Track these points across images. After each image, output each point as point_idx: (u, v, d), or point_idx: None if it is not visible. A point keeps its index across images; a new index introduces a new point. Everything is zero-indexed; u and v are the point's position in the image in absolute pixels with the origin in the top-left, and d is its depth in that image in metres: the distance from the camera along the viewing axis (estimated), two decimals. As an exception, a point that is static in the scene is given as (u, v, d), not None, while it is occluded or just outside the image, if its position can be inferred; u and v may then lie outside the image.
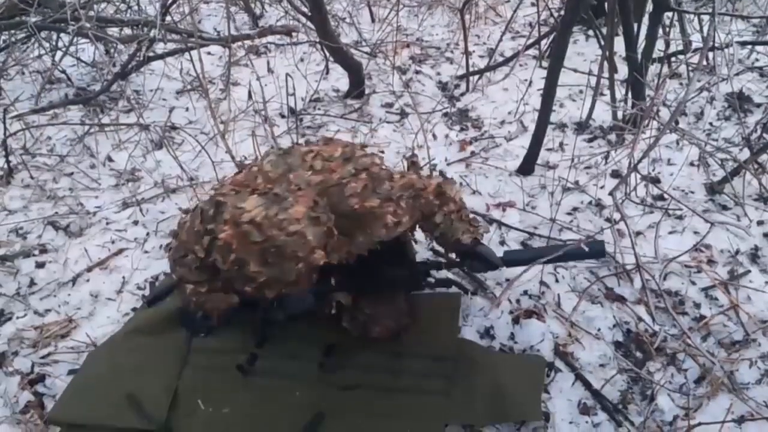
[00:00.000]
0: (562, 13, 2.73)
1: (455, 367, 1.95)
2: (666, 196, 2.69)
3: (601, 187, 2.76)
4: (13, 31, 3.91)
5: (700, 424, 1.76)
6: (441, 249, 2.43)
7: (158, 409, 1.86)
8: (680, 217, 2.59)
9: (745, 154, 2.77)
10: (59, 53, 3.93)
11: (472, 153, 3.13)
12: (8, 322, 2.27)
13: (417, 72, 3.98)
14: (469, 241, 1.96)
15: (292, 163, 1.75)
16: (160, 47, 3.88)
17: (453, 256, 2.08)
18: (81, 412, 1.88)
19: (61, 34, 3.85)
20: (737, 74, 3.57)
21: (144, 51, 3.59)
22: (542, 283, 2.30)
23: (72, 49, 3.94)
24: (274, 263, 1.53)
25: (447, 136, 3.28)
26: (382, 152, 3.00)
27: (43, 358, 2.13)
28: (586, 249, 1.92)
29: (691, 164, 2.91)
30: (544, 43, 3.91)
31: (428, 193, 1.88)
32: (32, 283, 2.45)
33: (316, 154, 1.78)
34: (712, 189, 2.74)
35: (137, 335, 2.09)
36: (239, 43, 4.14)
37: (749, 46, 3.83)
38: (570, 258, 1.99)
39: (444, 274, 2.25)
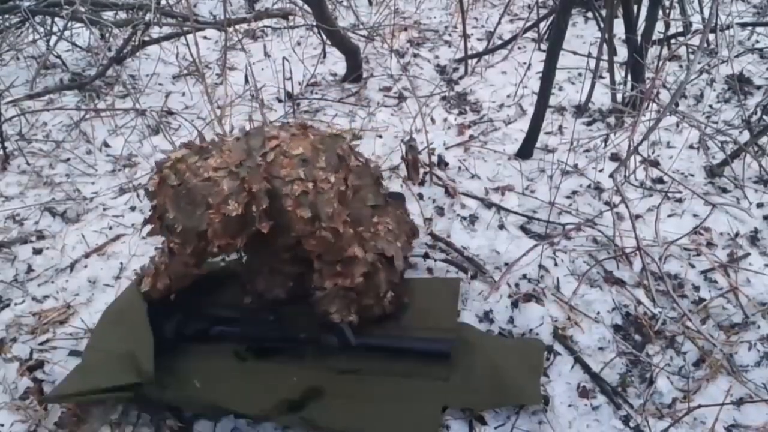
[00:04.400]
0: (562, -6, 2.70)
1: (454, 350, 1.95)
2: (666, 179, 2.68)
3: (601, 171, 2.75)
4: (6, 16, 3.87)
5: (699, 406, 1.76)
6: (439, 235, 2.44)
7: (144, 363, 1.84)
8: (680, 200, 2.59)
9: (745, 136, 2.76)
10: (54, 38, 3.90)
11: (471, 137, 3.12)
12: (6, 309, 2.27)
13: (415, 55, 3.95)
14: (338, 320, 1.96)
15: (253, 146, 1.78)
16: (155, 31, 3.85)
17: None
18: (72, 387, 1.87)
19: (56, 19, 3.81)
20: (737, 56, 3.55)
21: (139, 35, 3.56)
22: (541, 266, 2.29)
23: (67, 33, 3.91)
24: (186, 209, 1.59)
25: (445, 119, 3.27)
26: (380, 136, 3.02)
27: (41, 344, 2.13)
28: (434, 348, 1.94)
29: (691, 147, 2.90)
30: (543, 26, 3.88)
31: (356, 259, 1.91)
32: (30, 269, 2.44)
33: (276, 147, 1.79)
34: (712, 172, 2.73)
35: (109, 319, 2.06)
36: (235, 27, 4.10)
37: (750, 28, 3.80)
38: (416, 352, 1.97)
39: None
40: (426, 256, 2.34)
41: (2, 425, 1.88)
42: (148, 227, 1.82)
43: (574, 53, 3.48)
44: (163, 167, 1.63)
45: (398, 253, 2.07)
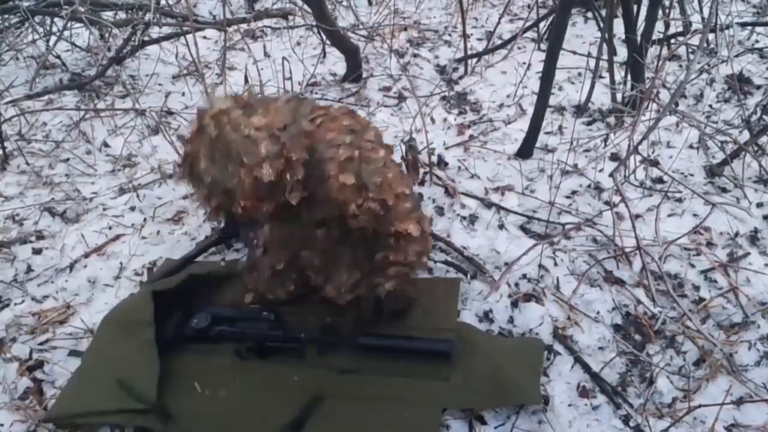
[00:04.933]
0: (561, -6, 2.70)
1: (454, 350, 1.95)
2: (666, 178, 2.68)
3: (600, 170, 2.75)
4: (6, 16, 3.87)
5: (699, 406, 1.76)
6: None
7: (148, 390, 1.84)
8: (679, 200, 2.59)
9: (745, 136, 2.76)
10: (53, 38, 3.89)
11: (471, 137, 3.11)
12: (6, 309, 2.27)
13: (415, 55, 3.95)
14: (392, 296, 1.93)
15: (302, 111, 1.71)
16: (155, 31, 3.85)
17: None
18: (72, 404, 1.87)
19: (55, 19, 3.81)
20: (737, 56, 3.55)
21: (139, 35, 3.56)
22: (541, 266, 2.29)
23: (66, 33, 3.91)
24: (219, 162, 1.53)
25: (445, 119, 3.27)
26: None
27: (41, 344, 2.13)
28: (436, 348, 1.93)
29: (691, 147, 2.90)
30: (543, 26, 3.88)
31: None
32: (29, 269, 2.44)
33: (324, 114, 1.75)
34: (712, 171, 2.73)
35: (112, 325, 2.06)
36: (235, 27, 4.10)
37: (749, 27, 3.80)
38: (417, 351, 1.95)
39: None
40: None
41: (2, 425, 1.88)
42: (179, 171, 1.74)
43: (574, 53, 3.48)
44: (204, 115, 1.57)
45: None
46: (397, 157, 2.79)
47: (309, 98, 1.88)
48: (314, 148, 1.68)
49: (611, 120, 3.15)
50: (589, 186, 2.71)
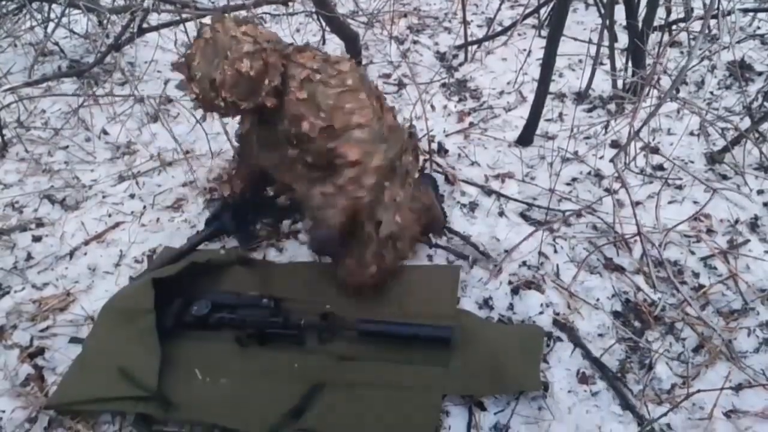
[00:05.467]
0: (562, -21, 2.68)
1: (454, 336, 1.95)
2: (666, 165, 2.68)
3: (601, 158, 2.74)
4: (3, 2, 3.85)
5: (698, 391, 1.76)
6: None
7: (149, 377, 1.86)
8: (680, 187, 2.58)
9: (746, 123, 2.75)
10: (51, 25, 3.87)
11: (471, 124, 3.11)
12: (6, 296, 2.27)
13: (414, 42, 3.93)
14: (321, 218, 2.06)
15: (286, 44, 2.03)
16: (153, 18, 3.82)
17: None
18: (73, 391, 1.88)
19: (53, 5, 3.78)
20: (739, 42, 3.53)
21: (137, 22, 3.54)
22: (541, 253, 2.29)
23: (64, 20, 3.88)
24: (207, 57, 1.83)
25: (445, 106, 3.25)
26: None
27: (42, 331, 2.13)
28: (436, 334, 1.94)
29: (691, 134, 2.89)
30: (543, 12, 3.85)
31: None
32: (29, 256, 2.44)
33: (302, 47, 2.03)
34: (713, 158, 2.72)
35: (113, 312, 2.07)
36: (234, 14, 4.07)
37: (751, 13, 3.78)
38: (417, 338, 1.96)
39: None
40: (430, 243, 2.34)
41: (3, 412, 1.89)
42: (180, 77, 1.95)
43: (575, 39, 3.46)
44: (204, 25, 1.87)
45: (395, 229, 2.10)
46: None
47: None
48: (287, 67, 1.95)
49: (612, 107, 3.14)
50: (589, 173, 2.70)
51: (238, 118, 2.27)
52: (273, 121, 2.02)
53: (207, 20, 1.91)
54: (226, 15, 1.94)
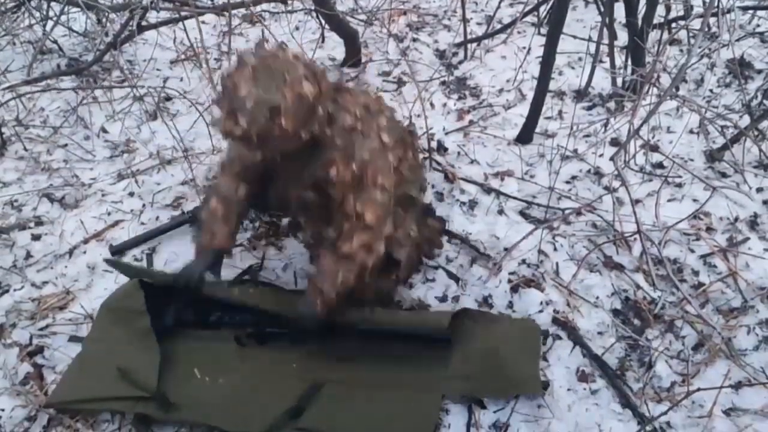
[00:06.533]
0: (562, -23, 2.68)
1: (453, 334, 1.95)
2: (666, 164, 2.67)
3: (600, 156, 2.74)
4: (2, 0, 3.84)
5: (698, 389, 1.76)
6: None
7: (148, 378, 1.86)
8: (679, 185, 2.58)
9: (746, 121, 2.75)
10: (50, 23, 3.86)
11: (471, 122, 3.10)
12: (5, 295, 2.27)
13: (414, 40, 3.92)
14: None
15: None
16: (152, 16, 3.81)
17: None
18: (73, 390, 1.88)
19: (52, 3, 3.77)
20: (738, 40, 3.52)
21: (136, 20, 3.53)
22: (540, 252, 2.29)
23: (63, 18, 3.87)
24: (262, 82, 1.61)
25: (445, 105, 3.25)
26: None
27: (41, 330, 2.13)
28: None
29: (691, 132, 2.89)
30: (543, 10, 3.85)
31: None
32: (29, 255, 2.44)
33: (346, 89, 1.90)
34: (712, 156, 2.72)
35: (111, 312, 2.06)
36: (233, 12, 4.06)
37: (751, 11, 3.77)
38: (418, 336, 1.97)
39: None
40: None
41: (3, 410, 1.89)
42: (215, 112, 1.79)
43: (575, 37, 3.46)
44: (244, 54, 1.68)
45: (404, 262, 2.07)
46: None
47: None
48: (335, 104, 1.81)
49: (611, 105, 3.14)
50: (589, 171, 2.70)
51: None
52: (301, 157, 1.85)
53: (244, 52, 1.71)
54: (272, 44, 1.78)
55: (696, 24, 3.53)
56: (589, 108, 3.15)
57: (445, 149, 2.86)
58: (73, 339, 2.08)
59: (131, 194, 2.72)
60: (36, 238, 2.51)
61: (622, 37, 3.31)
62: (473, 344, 1.93)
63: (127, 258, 2.39)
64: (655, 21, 3.12)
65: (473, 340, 1.94)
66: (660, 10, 3.20)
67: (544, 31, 3.68)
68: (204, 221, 2.02)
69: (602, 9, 3.21)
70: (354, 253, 1.84)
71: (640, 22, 2.92)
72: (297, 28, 4.03)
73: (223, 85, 1.67)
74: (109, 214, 2.61)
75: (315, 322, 1.88)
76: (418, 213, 2.19)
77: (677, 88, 2.85)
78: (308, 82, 1.65)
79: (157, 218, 2.56)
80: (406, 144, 2.04)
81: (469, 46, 3.71)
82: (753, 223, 2.40)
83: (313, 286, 1.87)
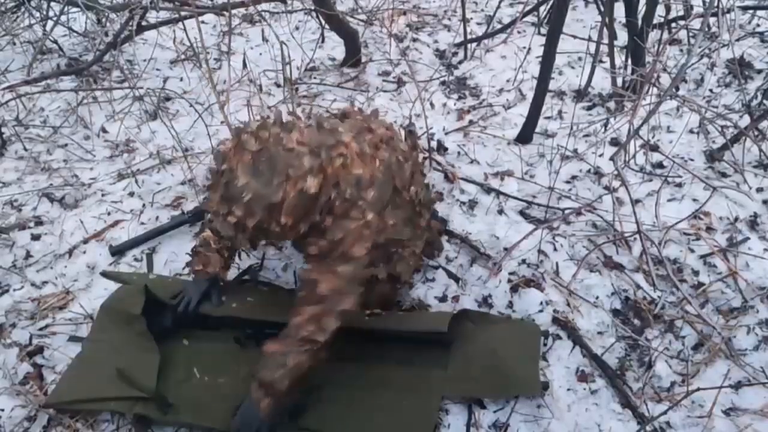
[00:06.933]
0: (562, -23, 2.68)
1: (452, 334, 1.94)
2: (666, 163, 2.67)
3: (600, 155, 2.74)
4: (2, 0, 3.84)
5: (698, 389, 1.76)
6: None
7: (147, 378, 1.86)
8: (679, 185, 2.58)
9: (746, 120, 2.75)
10: (50, 23, 3.86)
11: (471, 122, 3.10)
12: (5, 295, 2.27)
13: (414, 40, 3.92)
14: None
15: (323, 141, 1.68)
16: (152, 16, 3.82)
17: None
18: (73, 390, 1.88)
19: (52, 3, 3.78)
20: (738, 40, 3.53)
21: (136, 20, 3.53)
22: (541, 251, 2.29)
23: (63, 18, 3.88)
24: (263, 176, 1.49)
25: (445, 104, 3.25)
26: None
27: (41, 329, 2.13)
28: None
29: (691, 131, 2.89)
30: (543, 10, 3.85)
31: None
32: (28, 255, 2.44)
33: (341, 155, 1.70)
34: (712, 156, 2.72)
35: (111, 313, 2.05)
36: (233, 12, 4.06)
37: (751, 11, 3.78)
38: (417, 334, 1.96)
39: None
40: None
41: (2, 410, 1.88)
42: (207, 194, 1.70)
43: (574, 37, 3.46)
44: (242, 132, 1.55)
45: (409, 276, 2.08)
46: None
47: (329, 123, 1.81)
48: (338, 184, 1.67)
49: (611, 104, 3.14)
50: (588, 171, 2.70)
51: None
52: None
53: (244, 128, 1.59)
54: (269, 118, 1.64)
55: (696, 24, 3.53)
56: (589, 108, 3.15)
57: (445, 149, 2.86)
58: (72, 339, 2.08)
59: (131, 194, 2.72)
60: (36, 237, 2.51)
61: (622, 37, 3.31)
62: (473, 345, 1.93)
63: (127, 258, 2.39)
64: (655, 21, 3.12)
65: (473, 341, 1.94)
66: (660, 9, 3.20)
67: (544, 30, 3.68)
68: (197, 249, 2.02)
69: (602, 9, 3.21)
70: (302, 325, 1.69)
71: (640, 22, 2.92)
72: (297, 28, 4.04)
73: (218, 165, 1.56)
74: (108, 213, 2.61)
75: (262, 426, 1.71)
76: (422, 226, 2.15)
77: (677, 88, 2.85)
78: (312, 176, 1.54)
79: (157, 218, 2.56)
80: (399, 189, 1.88)
81: (469, 45, 3.71)
82: (753, 223, 2.40)
83: (256, 385, 1.70)
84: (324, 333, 1.68)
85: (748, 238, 2.32)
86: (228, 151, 1.55)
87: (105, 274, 2.23)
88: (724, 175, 2.64)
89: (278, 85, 3.48)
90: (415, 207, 2.01)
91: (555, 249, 2.32)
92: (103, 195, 2.72)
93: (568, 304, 2.12)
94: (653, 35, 3.28)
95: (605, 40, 3.11)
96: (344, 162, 1.69)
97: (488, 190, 2.60)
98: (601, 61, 3.23)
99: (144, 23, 3.67)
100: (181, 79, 3.59)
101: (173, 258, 2.36)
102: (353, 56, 3.61)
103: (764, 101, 2.82)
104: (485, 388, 1.85)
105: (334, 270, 1.69)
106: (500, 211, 2.50)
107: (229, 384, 1.90)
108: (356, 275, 1.73)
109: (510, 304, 2.12)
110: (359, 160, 1.73)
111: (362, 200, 1.71)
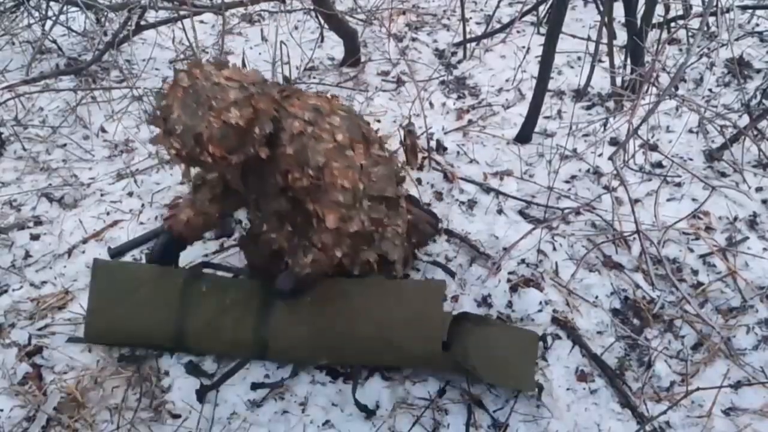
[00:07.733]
0: (561, -23, 2.68)
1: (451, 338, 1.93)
2: (665, 163, 2.68)
3: (599, 155, 2.74)
4: (1, 0, 3.84)
5: (697, 389, 1.76)
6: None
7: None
8: (678, 185, 2.58)
9: (745, 120, 2.75)
10: (49, 22, 3.86)
11: (470, 121, 3.10)
12: (4, 294, 2.27)
13: (413, 39, 3.92)
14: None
15: (271, 84, 1.80)
16: (151, 15, 3.81)
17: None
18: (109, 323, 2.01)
19: (51, 3, 3.77)
20: (737, 39, 3.53)
21: (135, 19, 3.53)
22: (540, 251, 2.29)
23: (62, 18, 3.87)
24: (189, 108, 1.60)
25: (444, 104, 3.25)
26: (378, 121, 3.00)
27: (40, 329, 2.13)
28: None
29: (690, 131, 2.89)
30: (542, 9, 3.85)
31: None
32: (27, 255, 2.43)
33: (294, 92, 1.84)
34: (711, 156, 2.72)
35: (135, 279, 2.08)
36: (232, 11, 4.06)
37: (750, 11, 3.78)
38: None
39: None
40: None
41: (1, 410, 1.88)
42: (155, 131, 1.81)
43: (574, 37, 3.46)
44: (179, 71, 1.66)
45: (400, 258, 2.05)
46: (394, 142, 2.79)
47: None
48: (279, 116, 1.76)
49: (611, 104, 3.14)
50: (588, 171, 2.70)
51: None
52: (261, 172, 1.84)
53: (181, 65, 1.71)
54: (204, 58, 1.77)
55: (695, 23, 3.53)
56: (589, 107, 3.15)
57: (445, 149, 2.86)
58: (72, 339, 2.08)
59: (130, 194, 2.71)
60: (35, 237, 2.50)
61: (621, 37, 3.31)
62: (471, 341, 1.92)
63: (126, 258, 2.38)
64: (654, 20, 3.12)
65: (471, 338, 1.93)
66: (659, 9, 3.20)
67: (543, 30, 3.68)
68: (171, 204, 2.19)
69: (601, 8, 3.21)
70: (323, 246, 1.86)
71: (639, 22, 2.93)
72: (296, 28, 4.03)
73: (158, 102, 1.66)
74: (108, 213, 2.61)
75: (285, 294, 1.94)
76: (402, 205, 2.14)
77: (676, 88, 2.85)
78: (237, 109, 1.62)
79: (156, 218, 2.55)
80: (369, 140, 1.95)
81: (468, 45, 3.71)
82: (752, 222, 2.40)
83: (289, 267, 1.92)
84: (340, 251, 1.88)
85: (748, 238, 2.32)
86: (167, 89, 1.66)
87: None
88: (723, 174, 2.65)
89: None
90: (393, 167, 2.05)
91: (554, 249, 2.32)
92: (102, 195, 2.72)
93: (568, 304, 2.12)
94: (652, 35, 3.29)
95: (604, 40, 3.11)
96: (297, 96, 1.81)
97: (487, 189, 2.60)
98: (600, 61, 3.23)
99: (143, 23, 3.66)
100: (180, 79, 3.59)
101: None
102: (352, 56, 3.61)
103: (763, 101, 2.82)
104: (484, 370, 1.81)
105: (334, 201, 1.80)
106: (499, 211, 2.50)
107: (236, 305, 1.97)
108: (354, 204, 1.84)
109: (509, 304, 2.12)
110: (313, 96, 1.86)
111: (327, 124, 1.80)
